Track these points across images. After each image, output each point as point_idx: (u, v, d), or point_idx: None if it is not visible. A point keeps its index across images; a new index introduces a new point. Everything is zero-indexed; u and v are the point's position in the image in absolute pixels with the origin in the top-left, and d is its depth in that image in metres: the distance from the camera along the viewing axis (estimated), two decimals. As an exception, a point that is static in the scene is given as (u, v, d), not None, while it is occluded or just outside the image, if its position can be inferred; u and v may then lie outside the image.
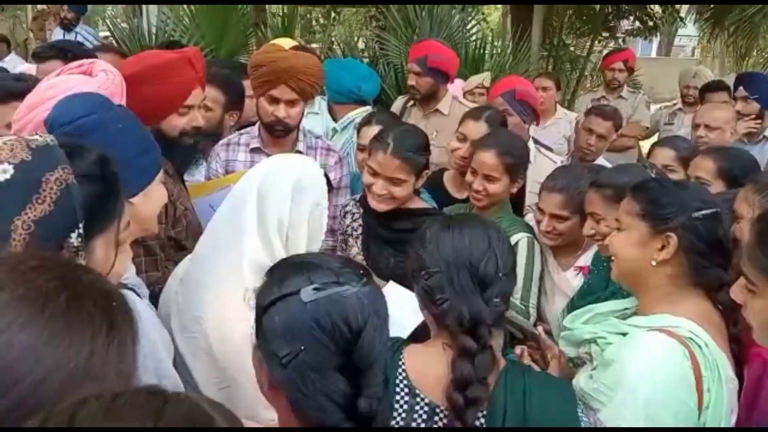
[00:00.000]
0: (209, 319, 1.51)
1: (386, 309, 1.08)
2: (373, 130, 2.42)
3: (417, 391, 1.29)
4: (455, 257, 1.32)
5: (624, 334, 1.47)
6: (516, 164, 2.30)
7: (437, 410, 1.28)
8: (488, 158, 2.28)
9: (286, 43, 3.51)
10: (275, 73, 2.35)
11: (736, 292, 1.29)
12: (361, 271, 1.09)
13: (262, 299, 1.07)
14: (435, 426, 1.28)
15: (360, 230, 2.32)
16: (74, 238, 1.05)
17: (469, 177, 2.34)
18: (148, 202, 1.41)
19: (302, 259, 1.12)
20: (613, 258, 1.57)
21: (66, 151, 1.09)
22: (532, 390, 1.28)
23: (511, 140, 2.37)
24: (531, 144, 3.03)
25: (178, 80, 1.95)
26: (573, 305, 2.11)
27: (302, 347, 1.00)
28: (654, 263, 1.47)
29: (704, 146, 3.07)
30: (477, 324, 1.28)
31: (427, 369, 1.31)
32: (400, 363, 1.32)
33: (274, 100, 2.40)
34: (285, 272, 1.08)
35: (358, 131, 2.74)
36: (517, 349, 1.74)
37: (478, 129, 2.61)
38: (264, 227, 1.52)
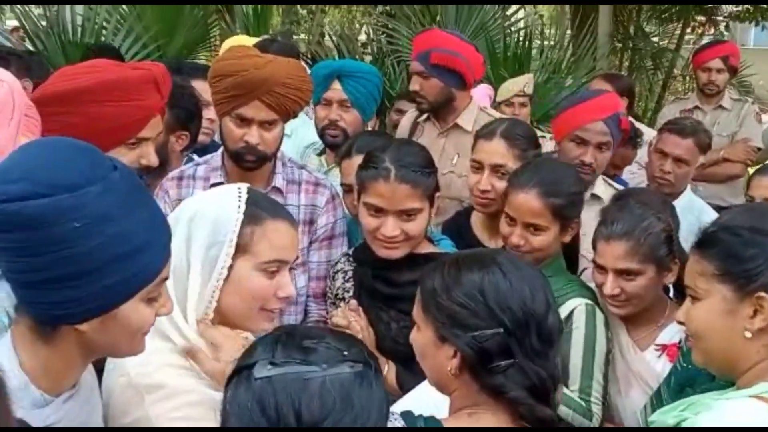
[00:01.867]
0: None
1: (375, 407, 1.16)
2: (357, 162, 2.47)
3: None
4: (524, 312, 1.44)
5: None
6: (568, 205, 2.37)
7: None
8: (529, 202, 2.33)
9: (244, 41, 3.62)
10: (246, 86, 2.44)
11: None
12: (349, 352, 1.18)
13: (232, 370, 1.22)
14: None
15: (353, 291, 2.40)
16: None
17: (504, 228, 2.41)
18: (109, 330, 1.35)
19: (289, 329, 1.26)
20: (691, 338, 1.65)
21: None
22: None
23: (558, 172, 2.44)
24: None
25: (136, 104, 2.07)
26: (660, 401, 2.13)
27: None
28: (749, 334, 1.56)
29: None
30: (552, 389, 1.44)
31: None
32: None
33: (245, 121, 2.49)
34: (259, 341, 1.23)
35: (339, 166, 2.81)
36: None
37: (494, 150, 2.68)
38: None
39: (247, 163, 2.55)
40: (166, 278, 1.43)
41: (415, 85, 3.45)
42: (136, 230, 1.32)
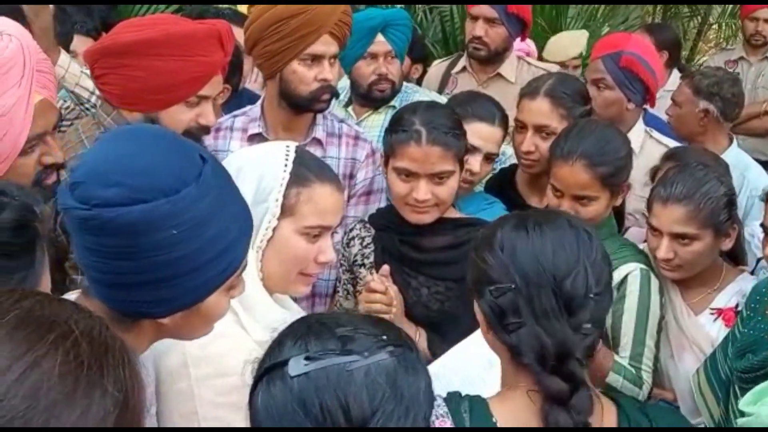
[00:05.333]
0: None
1: (423, 392, 1.07)
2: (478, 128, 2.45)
3: None
4: (535, 271, 1.38)
5: None
6: (617, 172, 2.28)
7: None
8: (575, 175, 2.25)
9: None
10: (317, 21, 2.40)
11: None
12: (387, 337, 1.08)
13: (257, 371, 1.10)
14: None
15: (373, 257, 2.34)
16: None
17: (552, 200, 2.33)
18: (189, 321, 1.33)
19: (315, 318, 1.15)
20: None
21: None
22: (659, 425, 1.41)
23: (602, 138, 2.32)
24: (640, 127, 2.99)
25: (200, 59, 2.02)
26: (716, 366, 2.08)
27: None
28: None
29: None
30: (565, 358, 1.35)
31: (519, 421, 1.37)
32: (494, 421, 1.38)
33: (316, 59, 2.45)
34: (284, 335, 1.11)
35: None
36: None
37: (537, 109, 2.59)
38: None
39: (322, 103, 2.52)
40: (245, 266, 1.38)
41: (478, 30, 3.35)
42: (229, 228, 1.28)
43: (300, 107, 2.51)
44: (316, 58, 2.44)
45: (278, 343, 1.10)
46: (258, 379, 1.08)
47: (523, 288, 1.37)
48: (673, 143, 2.98)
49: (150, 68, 1.96)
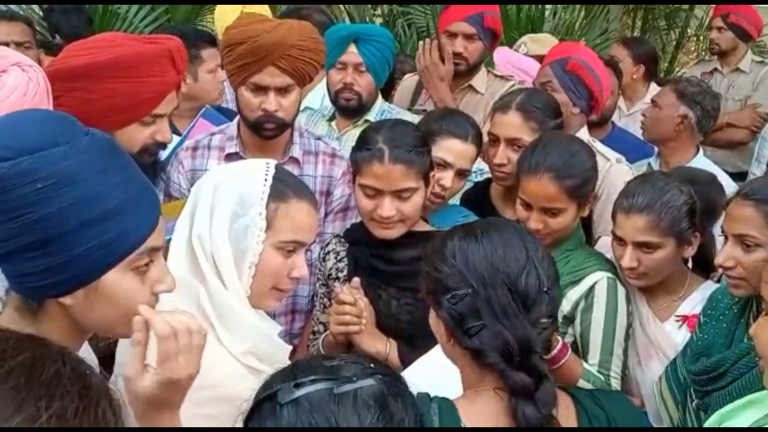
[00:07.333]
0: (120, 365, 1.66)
1: (411, 421, 1.09)
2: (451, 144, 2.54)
3: None
4: (490, 273, 1.47)
5: None
6: (583, 184, 2.34)
7: None
8: (542, 187, 2.29)
9: (258, 10, 3.60)
10: (259, 52, 2.44)
11: None
12: (374, 365, 1.12)
13: (250, 407, 1.13)
14: None
15: (346, 271, 2.39)
16: None
17: (521, 212, 2.38)
18: (95, 304, 1.29)
19: (305, 357, 1.21)
20: (760, 359, 1.61)
21: None
22: (615, 417, 1.50)
23: (568, 151, 2.37)
24: (584, 134, 3.02)
25: (153, 80, 2.06)
26: (675, 370, 2.15)
27: None
28: None
29: None
30: (527, 353, 1.43)
31: (487, 421, 1.44)
32: (462, 423, 1.44)
33: (261, 89, 2.50)
34: (275, 373, 1.15)
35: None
36: None
37: (509, 123, 2.67)
38: (191, 244, 1.70)
39: (267, 131, 2.55)
40: (156, 248, 1.35)
41: (458, 46, 3.46)
42: (105, 194, 1.26)
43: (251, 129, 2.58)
44: (261, 88, 2.49)
45: (269, 379, 1.13)
46: (250, 414, 1.11)
47: (480, 290, 1.46)
48: (612, 154, 3.01)
49: (103, 91, 2.01)
